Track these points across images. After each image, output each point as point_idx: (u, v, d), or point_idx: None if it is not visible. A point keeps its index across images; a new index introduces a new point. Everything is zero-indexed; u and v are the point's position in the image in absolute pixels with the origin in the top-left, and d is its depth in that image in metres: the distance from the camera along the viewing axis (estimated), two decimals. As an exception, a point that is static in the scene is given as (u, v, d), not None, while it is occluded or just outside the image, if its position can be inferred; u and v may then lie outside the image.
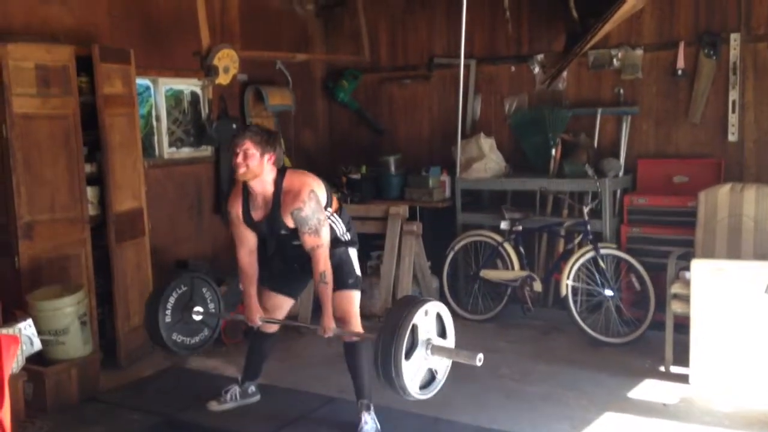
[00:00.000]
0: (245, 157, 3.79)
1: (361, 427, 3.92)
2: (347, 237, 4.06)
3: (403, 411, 4.28)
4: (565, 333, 5.73)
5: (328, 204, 3.96)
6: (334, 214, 4.01)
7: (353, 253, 4.08)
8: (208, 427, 4.17)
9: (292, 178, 3.89)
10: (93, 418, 4.35)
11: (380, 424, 3.99)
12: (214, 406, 4.31)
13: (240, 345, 5.45)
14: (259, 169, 3.82)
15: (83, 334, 4.61)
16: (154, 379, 4.98)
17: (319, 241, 3.81)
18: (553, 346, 5.50)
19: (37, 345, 4.32)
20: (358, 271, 4.07)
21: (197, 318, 4.34)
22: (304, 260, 3.93)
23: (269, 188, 3.89)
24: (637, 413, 4.27)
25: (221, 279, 5.71)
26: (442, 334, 3.64)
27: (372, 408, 3.99)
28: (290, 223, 3.86)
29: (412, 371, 3.45)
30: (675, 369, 4.80)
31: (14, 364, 4.04)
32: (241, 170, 3.81)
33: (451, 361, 3.64)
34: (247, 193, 3.97)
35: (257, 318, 4.12)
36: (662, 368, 4.88)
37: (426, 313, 3.50)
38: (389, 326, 3.42)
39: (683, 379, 4.65)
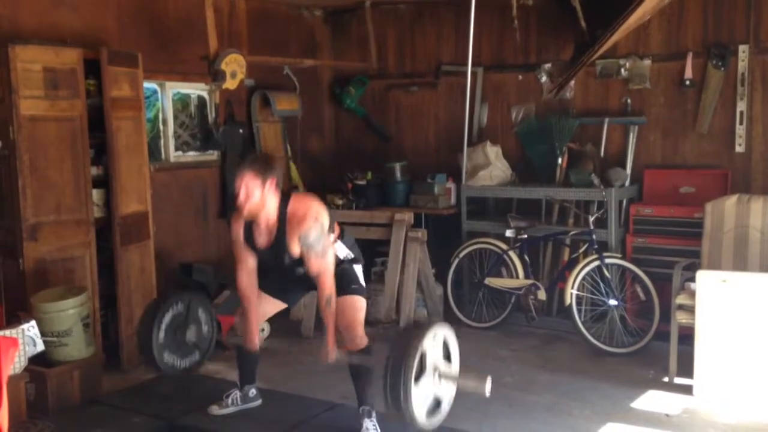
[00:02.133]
0: (247, 194, 3.70)
1: (363, 434, 3.91)
2: (351, 256, 4.05)
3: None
4: (569, 342, 5.71)
5: (331, 231, 3.92)
6: (337, 240, 4.00)
7: (358, 268, 4.05)
8: (209, 431, 4.16)
9: (296, 203, 3.81)
10: (95, 420, 4.34)
11: (382, 430, 3.97)
12: (215, 410, 4.30)
13: (243, 349, 5.46)
14: (262, 202, 3.73)
15: (86, 336, 4.61)
16: (157, 382, 4.96)
17: (325, 265, 3.77)
18: (556, 356, 5.48)
19: (40, 346, 4.33)
20: (361, 280, 4.04)
21: (190, 339, 4.31)
22: (309, 282, 3.93)
23: (273, 214, 3.80)
24: (640, 424, 4.24)
25: (224, 284, 5.72)
26: (447, 358, 3.69)
27: (374, 414, 3.98)
28: (295, 249, 3.78)
29: (421, 397, 3.46)
30: (679, 380, 4.78)
31: (16, 364, 4.06)
32: (245, 209, 3.73)
33: (455, 390, 3.68)
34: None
35: (257, 342, 4.09)
36: (666, 379, 4.86)
37: (434, 336, 3.54)
38: (398, 349, 3.44)
39: (687, 390, 4.63)
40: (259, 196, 3.72)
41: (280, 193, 3.82)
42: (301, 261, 3.85)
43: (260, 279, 4.11)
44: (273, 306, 4.23)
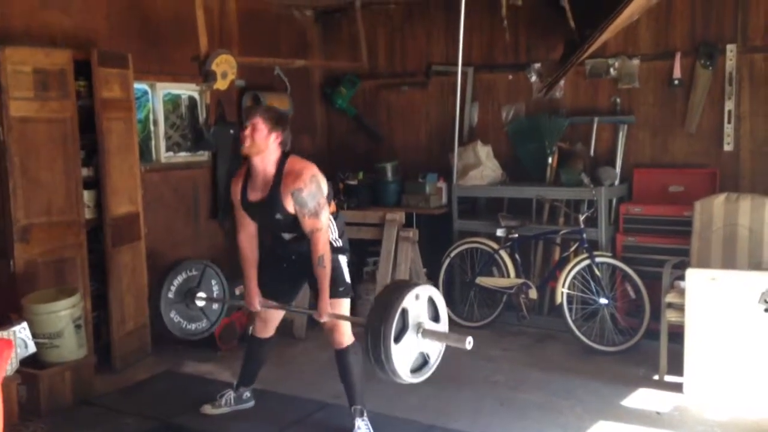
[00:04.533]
0: (253, 130, 3.84)
1: (355, 433, 3.93)
2: (339, 243, 4.06)
3: (397, 417, 4.29)
4: (560, 341, 5.74)
5: (328, 201, 3.96)
6: (331, 216, 4.02)
7: (343, 260, 4.07)
8: (202, 431, 4.18)
9: (295, 162, 3.90)
10: (87, 421, 4.35)
11: (374, 430, 3.99)
12: (208, 410, 4.32)
13: (234, 350, 5.46)
14: (264, 145, 3.84)
15: (78, 337, 4.61)
16: (149, 383, 4.98)
17: (318, 224, 3.81)
18: (547, 354, 5.51)
19: (32, 348, 4.33)
20: (347, 279, 4.06)
21: (200, 303, 4.43)
22: (300, 257, 3.97)
23: (271, 168, 3.88)
24: (631, 422, 4.27)
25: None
26: (436, 318, 3.68)
27: (365, 413, 4.00)
28: (288, 204, 3.83)
29: (403, 355, 3.47)
30: (669, 378, 4.81)
31: (8, 366, 4.05)
32: (247, 142, 3.85)
33: (444, 345, 3.68)
34: (248, 174, 3.98)
35: (257, 302, 4.14)
36: (656, 377, 4.89)
37: (417, 297, 3.54)
38: (378, 310, 3.45)
39: (677, 388, 4.66)
40: (263, 139, 3.83)
41: (280, 152, 3.90)
42: (291, 225, 3.89)
43: (260, 285, 4.16)
44: (278, 312, 4.30)
